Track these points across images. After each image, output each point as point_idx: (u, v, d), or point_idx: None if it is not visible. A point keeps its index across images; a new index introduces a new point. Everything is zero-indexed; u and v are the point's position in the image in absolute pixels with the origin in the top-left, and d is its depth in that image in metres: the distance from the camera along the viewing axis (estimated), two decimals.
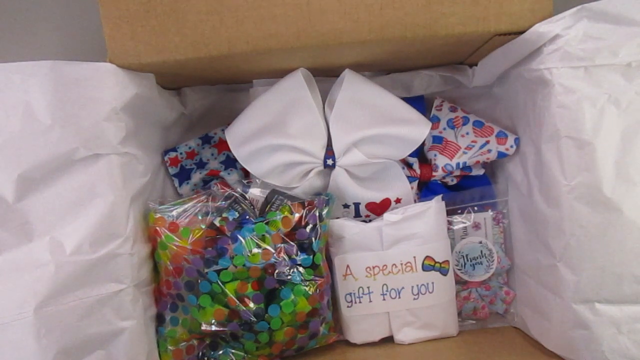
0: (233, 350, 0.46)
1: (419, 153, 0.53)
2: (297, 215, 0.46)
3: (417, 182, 0.52)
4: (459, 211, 0.53)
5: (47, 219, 0.37)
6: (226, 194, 0.47)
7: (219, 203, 0.46)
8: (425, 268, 0.48)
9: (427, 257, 0.48)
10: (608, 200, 0.37)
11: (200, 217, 0.45)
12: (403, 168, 0.51)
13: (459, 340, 0.51)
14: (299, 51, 0.40)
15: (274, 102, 0.47)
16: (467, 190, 0.53)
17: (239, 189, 0.49)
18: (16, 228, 0.36)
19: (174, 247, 0.44)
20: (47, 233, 0.36)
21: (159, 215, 0.45)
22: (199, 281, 0.44)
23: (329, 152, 0.48)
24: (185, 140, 0.53)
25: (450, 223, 0.52)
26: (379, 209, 0.51)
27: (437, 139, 0.52)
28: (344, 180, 0.49)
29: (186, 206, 0.46)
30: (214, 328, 0.43)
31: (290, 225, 0.45)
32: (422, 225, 0.48)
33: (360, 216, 0.52)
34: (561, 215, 0.40)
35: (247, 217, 0.46)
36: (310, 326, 0.46)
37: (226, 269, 0.43)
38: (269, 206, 0.47)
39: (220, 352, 0.46)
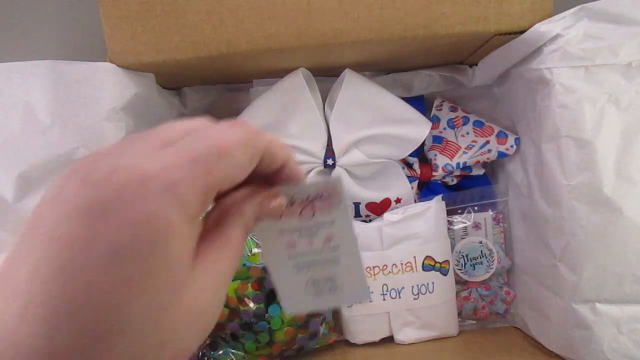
0: (233, 350, 0.46)
1: (419, 153, 0.53)
2: None
3: (417, 182, 0.52)
4: (459, 211, 0.53)
5: None
6: None
7: None
8: (425, 268, 0.48)
9: (427, 257, 0.48)
10: (608, 200, 0.37)
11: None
12: (403, 168, 0.51)
13: (459, 340, 0.51)
14: (299, 51, 0.40)
15: (274, 102, 0.47)
16: (467, 190, 0.53)
17: None
18: (16, 228, 0.36)
19: None
20: None
21: None
22: None
23: (329, 152, 0.48)
24: None
25: (450, 223, 0.52)
26: (379, 208, 0.51)
27: (437, 139, 0.52)
28: (344, 180, 0.49)
29: None
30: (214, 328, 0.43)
31: None
32: (422, 225, 0.48)
33: (360, 216, 0.52)
34: (561, 215, 0.40)
35: None
36: (311, 326, 0.46)
37: None
38: None
39: (220, 352, 0.46)
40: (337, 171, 0.49)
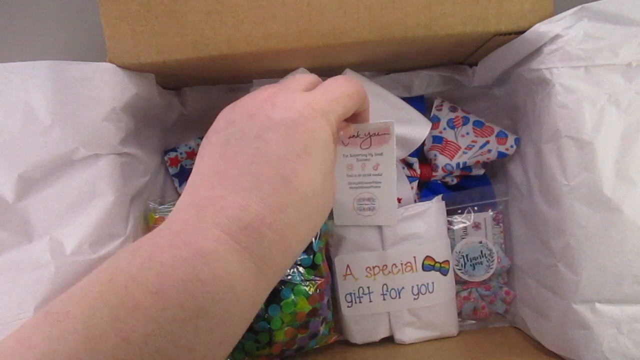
0: (233, 350, 0.46)
1: (419, 153, 0.53)
2: None
3: (417, 182, 0.52)
4: (459, 211, 0.53)
5: (47, 219, 0.37)
6: None
7: None
8: (425, 268, 0.48)
9: (427, 257, 0.48)
10: (608, 200, 0.37)
11: None
12: (403, 168, 0.51)
13: (459, 340, 0.51)
14: (299, 51, 0.40)
15: None
16: (467, 190, 0.53)
17: None
18: (16, 228, 0.36)
19: None
20: (47, 233, 0.36)
21: (159, 215, 0.45)
22: None
23: None
24: (185, 140, 0.53)
25: (450, 223, 0.52)
26: None
27: (437, 139, 0.52)
28: None
29: None
30: None
31: None
32: (422, 225, 0.48)
33: None
34: (561, 215, 0.40)
35: None
36: (311, 326, 0.46)
37: None
38: None
39: None
40: None
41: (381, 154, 0.37)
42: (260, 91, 0.29)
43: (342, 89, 0.30)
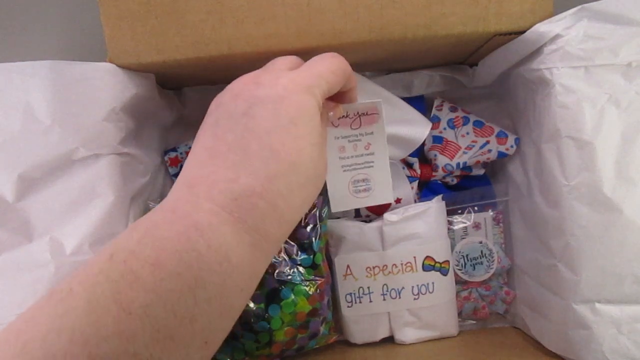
0: (233, 350, 0.46)
1: (420, 153, 0.53)
2: None
3: (417, 182, 0.52)
4: (459, 211, 0.53)
5: (47, 219, 0.37)
6: None
7: None
8: (425, 268, 0.48)
9: (427, 257, 0.48)
10: (608, 200, 0.37)
11: None
12: (403, 168, 0.51)
13: (459, 340, 0.51)
14: (299, 51, 0.40)
15: None
16: (467, 190, 0.53)
17: None
18: (16, 228, 0.36)
19: None
20: (47, 233, 0.36)
21: None
22: None
23: None
24: (185, 141, 0.53)
25: (450, 223, 0.52)
26: (379, 209, 0.51)
27: (438, 139, 0.52)
28: None
29: None
30: None
31: None
32: (422, 225, 0.48)
33: (361, 216, 0.52)
34: (561, 215, 0.40)
35: None
36: (311, 326, 0.46)
37: None
38: None
39: (220, 352, 0.46)
40: None
41: (372, 133, 0.38)
42: (246, 75, 0.30)
43: (326, 65, 0.31)
